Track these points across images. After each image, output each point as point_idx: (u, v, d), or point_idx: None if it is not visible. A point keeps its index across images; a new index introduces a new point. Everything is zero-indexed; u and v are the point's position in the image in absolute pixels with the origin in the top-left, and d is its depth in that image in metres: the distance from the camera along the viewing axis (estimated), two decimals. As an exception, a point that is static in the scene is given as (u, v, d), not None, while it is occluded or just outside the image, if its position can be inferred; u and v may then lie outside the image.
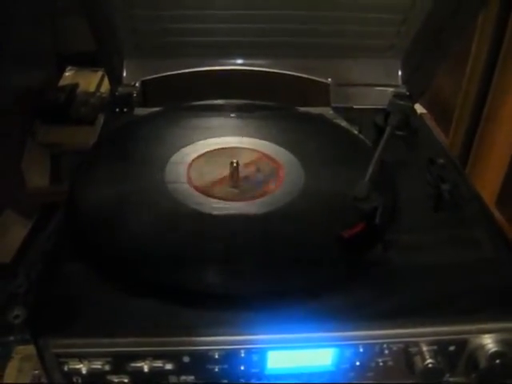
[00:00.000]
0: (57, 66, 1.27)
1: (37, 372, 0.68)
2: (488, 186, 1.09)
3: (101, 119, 0.80)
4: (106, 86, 1.21)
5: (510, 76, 0.98)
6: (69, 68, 1.28)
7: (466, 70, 1.08)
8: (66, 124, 1.11)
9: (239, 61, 0.86)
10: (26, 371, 0.68)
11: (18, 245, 0.95)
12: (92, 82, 1.24)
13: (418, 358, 0.52)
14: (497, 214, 1.07)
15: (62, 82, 1.23)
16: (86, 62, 1.25)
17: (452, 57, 0.91)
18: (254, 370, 0.52)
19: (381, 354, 0.52)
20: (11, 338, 0.71)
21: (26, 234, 0.98)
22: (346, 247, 0.56)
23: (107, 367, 0.50)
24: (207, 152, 0.71)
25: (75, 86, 1.20)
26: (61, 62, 1.28)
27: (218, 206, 0.62)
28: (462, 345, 0.53)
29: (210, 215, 0.61)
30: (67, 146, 1.09)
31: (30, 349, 0.68)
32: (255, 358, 0.51)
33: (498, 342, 0.52)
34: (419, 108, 0.89)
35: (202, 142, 0.73)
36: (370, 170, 0.62)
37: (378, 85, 0.87)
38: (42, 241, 0.93)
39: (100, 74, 1.25)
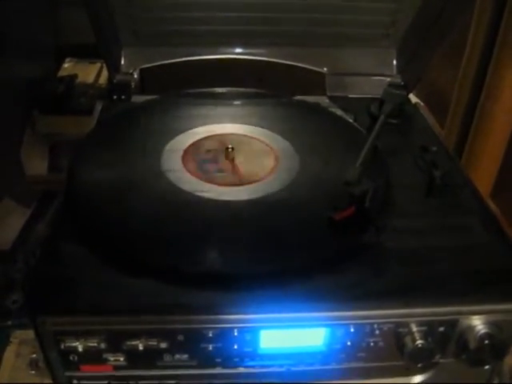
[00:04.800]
0: (56, 58, 1.28)
1: (34, 356, 0.68)
2: (483, 178, 1.10)
3: (99, 107, 0.81)
4: (104, 78, 1.21)
5: (505, 68, 0.99)
6: (68, 59, 1.29)
7: (462, 62, 1.08)
8: (65, 114, 1.11)
9: (236, 50, 0.86)
10: (23, 355, 0.69)
11: (16, 232, 0.96)
12: (90, 73, 1.24)
13: (408, 339, 0.53)
14: (492, 206, 1.07)
15: (60, 73, 1.24)
16: (84, 53, 1.26)
17: (448, 48, 0.92)
18: (247, 350, 0.53)
19: (371, 334, 0.53)
20: (9, 322, 0.72)
21: (25, 222, 0.99)
22: (338, 230, 0.57)
23: (103, 345, 0.51)
24: (203, 138, 0.71)
25: (74, 76, 1.21)
26: (60, 54, 1.29)
27: (213, 191, 0.62)
28: (451, 326, 0.53)
29: (204, 199, 0.61)
30: (65, 135, 1.10)
31: (28, 333, 0.69)
32: (248, 337, 0.52)
33: (487, 323, 0.53)
34: (414, 98, 0.90)
35: (198, 128, 0.73)
36: (362, 155, 0.63)
37: (373, 74, 0.87)
38: (40, 228, 0.93)
39: (98, 65, 1.26)
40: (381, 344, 0.54)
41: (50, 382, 0.55)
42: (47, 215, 0.92)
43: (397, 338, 0.53)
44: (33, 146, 1.10)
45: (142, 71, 0.85)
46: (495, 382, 0.60)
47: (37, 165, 1.10)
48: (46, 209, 0.98)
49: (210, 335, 0.51)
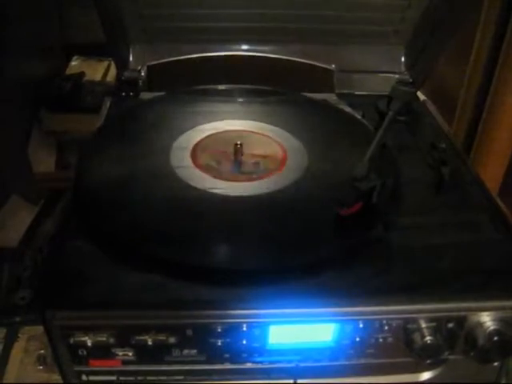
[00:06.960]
0: (63, 56, 1.28)
1: (42, 352, 0.69)
2: (491, 177, 1.09)
3: (107, 103, 0.81)
4: (111, 76, 1.22)
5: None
6: (75, 57, 1.29)
7: (470, 60, 1.08)
8: (72, 112, 1.12)
9: (244, 46, 0.86)
10: (31, 351, 0.69)
11: (24, 229, 0.96)
12: (98, 71, 1.25)
13: (417, 335, 0.53)
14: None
15: (68, 71, 1.25)
16: (92, 51, 1.26)
17: (456, 46, 0.92)
18: (255, 345, 0.53)
19: (380, 330, 0.53)
20: (17, 319, 0.72)
21: (33, 219, 0.99)
22: (346, 225, 0.57)
23: (112, 340, 0.51)
24: (212, 134, 0.72)
25: (81, 74, 1.22)
26: (67, 52, 1.29)
27: (222, 186, 0.63)
28: (460, 322, 0.53)
29: (213, 194, 0.61)
30: (73, 133, 1.11)
31: (36, 329, 0.69)
32: (257, 332, 0.52)
33: (496, 320, 0.53)
34: (422, 96, 0.89)
35: (206, 125, 0.73)
36: (370, 151, 0.62)
37: (381, 71, 0.87)
38: (48, 225, 0.94)
39: (106, 63, 1.27)
40: (389, 340, 0.54)
41: (58, 377, 0.55)
42: (55, 212, 0.93)
43: (405, 334, 0.53)
44: (40, 143, 1.11)
45: (149, 68, 0.85)
46: (503, 381, 0.60)
47: (44, 162, 1.11)
48: (53, 206, 0.99)
49: (219, 330, 0.51)
